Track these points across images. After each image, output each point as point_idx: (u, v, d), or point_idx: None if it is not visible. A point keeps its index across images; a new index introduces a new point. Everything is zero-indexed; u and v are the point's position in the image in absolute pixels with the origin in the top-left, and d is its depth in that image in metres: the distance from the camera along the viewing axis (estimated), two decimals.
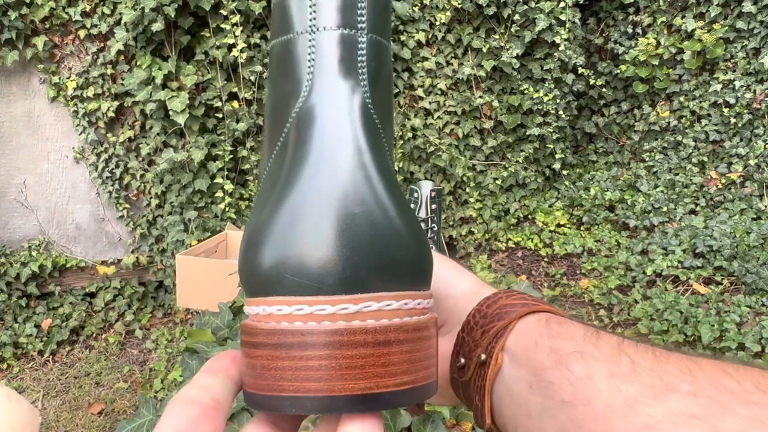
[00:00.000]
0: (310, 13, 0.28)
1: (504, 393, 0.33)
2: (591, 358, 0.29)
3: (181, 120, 2.93)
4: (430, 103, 3.56)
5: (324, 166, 0.26)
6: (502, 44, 3.52)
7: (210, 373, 0.28)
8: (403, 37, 3.41)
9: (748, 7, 3.52)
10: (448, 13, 3.39)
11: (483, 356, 0.34)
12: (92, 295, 3.31)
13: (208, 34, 2.99)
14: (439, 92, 3.58)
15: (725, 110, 3.68)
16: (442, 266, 0.41)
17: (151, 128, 3.12)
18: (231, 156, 3.14)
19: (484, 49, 3.49)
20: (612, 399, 0.27)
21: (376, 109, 0.28)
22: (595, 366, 0.29)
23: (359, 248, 0.25)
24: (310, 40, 0.28)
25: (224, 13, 2.87)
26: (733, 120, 3.66)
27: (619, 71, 3.97)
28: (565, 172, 3.91)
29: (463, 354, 0.36)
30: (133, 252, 3.35)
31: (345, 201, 0.26)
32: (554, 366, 0.30)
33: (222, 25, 2.91)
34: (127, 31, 2.93)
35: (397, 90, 3.45)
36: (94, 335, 3.14)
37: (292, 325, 0.25)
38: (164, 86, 2.97)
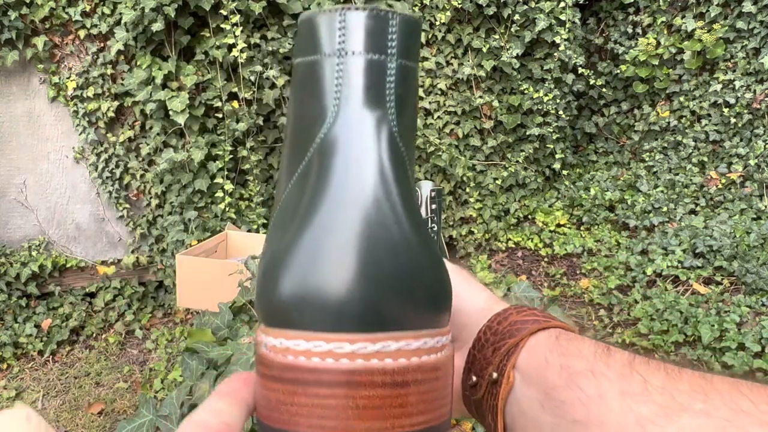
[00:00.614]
0: (339, 36, 0.27)
1: (516, 412, 0.33)
2: (602, 377, 0.29)
3: (181, 120, 2.93)
4: (430, 103, 3.56)
5: (348, 199, 0.26)
6: (502, 44, 3.52)
7: (221, 397, 0.27)
8: None
9: (748, 7, 3.52)
10: (448, 13, 3.39)
11: (494, 375, 0.34)
12: (92, 295, 3.31)
13: (208, 34, 2.99)
14: (439, 92, 3.58)
15: (725, 110, 3.68)
16: (455, 279, 0.40)
17: (151, 128, 3.12)
18: (231, 156, 3.14)
19: (484, 49, 3.49)
20: (624, 419, 0.27)
21: (402, 137, 0.28)
22: (606, 385, 0.29)
23: (381, 286, 0.25)
24: (337, 64, 0.27)
25: (224, 13, 2.87)
26: (733, 120, 3.66)
27: (619, 71, 3.97)
28: (565, 172, 3.92)
29: (475, 372, 0.36)
30: (133, 252, 3.35)
31: (370, 237, 0.25)
32: (565, 385, 0.30)
33: (222, 25, 2.91)
34: (127, 31, 2.93)
35: None
36: (94, 335, 3.14)
37: (310, 361, 0.24)
38: (164, 86, 2.97)
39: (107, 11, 2.97)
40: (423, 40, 3.44)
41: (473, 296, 0.40)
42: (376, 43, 0.27)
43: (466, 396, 0.37)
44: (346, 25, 0.27)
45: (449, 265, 0.42)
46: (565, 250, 3.53)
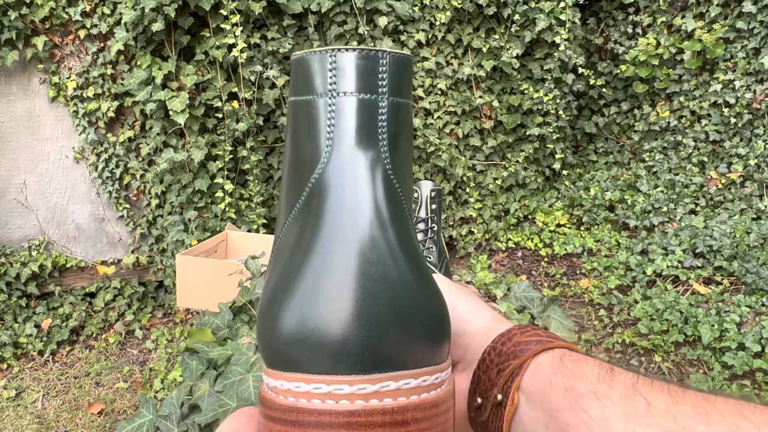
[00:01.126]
0: (331, 77, 0.28)
1: None
2: (606, 399, 0.29)
3: (181, 120, 2.93)
4: (430, 103, 3.56)
5: (344, 241, 0.26)
6: (502, 44, 3.52)
7: None
8: (403, 37, 3.40)
9: (748, 7, 3.52)
10: (448, 13, 3.39)
11: (499, 397, 0.34)
12: (92, 295, 3.31)
13: (208, 34, 2.99)
14: (439, 92, 3.58)
15: (725, 110, 3.68)
16: (460, 300, 0.41)
17: (151, 128, 3.12)
18: (231, 156, 3.14)
19: (484, 49, 3.49)
20: None
21: (396, 173, 0.28)
22: (611, 407, 0.29)
23: (379, 328, 0.25)
24: (330, 105, 0.28)
25: (224, 13, 2.87)
26: (733, 120, 3.66)
27: (619, 71, 3.97)
28: (565, 172, 3.91)
29: (480, 393, 0.36)
30: (133, 252, 3.35)
31: (366, 278, 0.25)
32: (569, 407, 0.30)
33: (222, 25, 2.91)
34: (127, 31, 2.93)
35: None
36: (94, 335, 3.14)
37: (310, 402, 0.25)
38: (164, 86, 2.97)
39: (107, 11, 2.97)
40: (423, 39, 3.44)
41: (477, 317, 0.40)
42: (367, 82, 0.27)
43: (472, 418, 0.37)
44: (337, 66, 0.28)
45: (453, 287, 0.42)
46: (565, 250, 3.53)
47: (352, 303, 0.25)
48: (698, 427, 0.26)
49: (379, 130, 0.28)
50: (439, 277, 0.42)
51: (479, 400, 0.36)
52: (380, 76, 0.28)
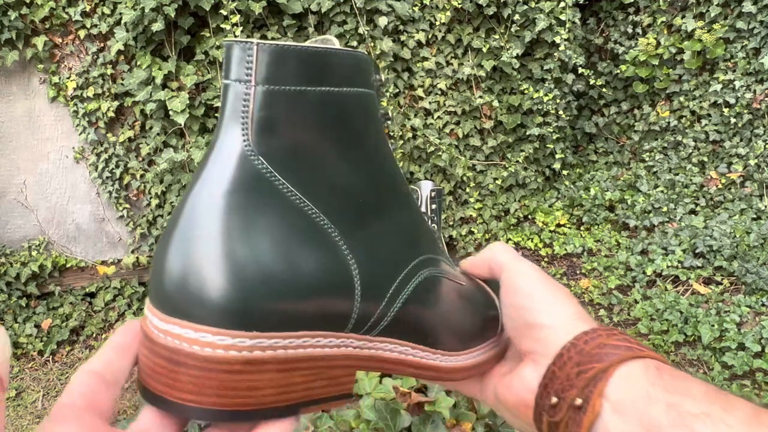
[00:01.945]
0: (225, 64, 0.31)
1: None
2: (722, 424, 0.27)
3: (181, 120, 2.93)
4: (430, 103, 3.55)
5: (191, 208, 0.30)
6: (502, 44, 3.52)
7: (113, 348, 0.31)
8: (403, 37, 3.40)
9: (748, 7, 3.52)
10: (448, 13, 3.39)
11: (579, 401, 0.32)
12: (92, 295, 3.31)
13: (208, 34, 2.99)
14: (439, 92, 3.58)
15: (725, 110, 3.68)
16: (539, 289, 0.38)
17: (151, 128, 3.12)
18: None
19: (484, 49, 3.49)
20: None
21: (270, 157, 0.31)
22: None
23: (176, 284, 0.29)
24: (221, 89, 0.32)
25: (224, 13, 2.87)
26: (733, 120, 3.66)
27: (619, 71, 3.96)
28: (565, 172, 3.91)
29: (555, 391, 0.34)
30: (133, 252, 3.35)
31: (190, 244, 0.29)
32: (674, 425, 0.28)
33: (222, 25, 2.91)
34: (127, 31, 2.93)
35: (397, 90, 3.45)
36: (94, 335, 3.14)
37: (182, 346, 0.29)
38: (164, 86, 2.97)
39: (107, 11, 2.97)
40: (423, 39, 3.44)
41: (555, 308, 0.37)
42: (237, 71, 0.31)
43: (539, 414, 0.35)
44: (226, 55, 0.31)
45: (540, 276, 0.40)
46: (565, 250, 3.53)
47: (177, 260, 0.29)
48: None
49: (242, 115, 0.30)
50: (527, 265, 0.41)
51: (554, 398, 0.33)
52: (247, 65, 0.30)
